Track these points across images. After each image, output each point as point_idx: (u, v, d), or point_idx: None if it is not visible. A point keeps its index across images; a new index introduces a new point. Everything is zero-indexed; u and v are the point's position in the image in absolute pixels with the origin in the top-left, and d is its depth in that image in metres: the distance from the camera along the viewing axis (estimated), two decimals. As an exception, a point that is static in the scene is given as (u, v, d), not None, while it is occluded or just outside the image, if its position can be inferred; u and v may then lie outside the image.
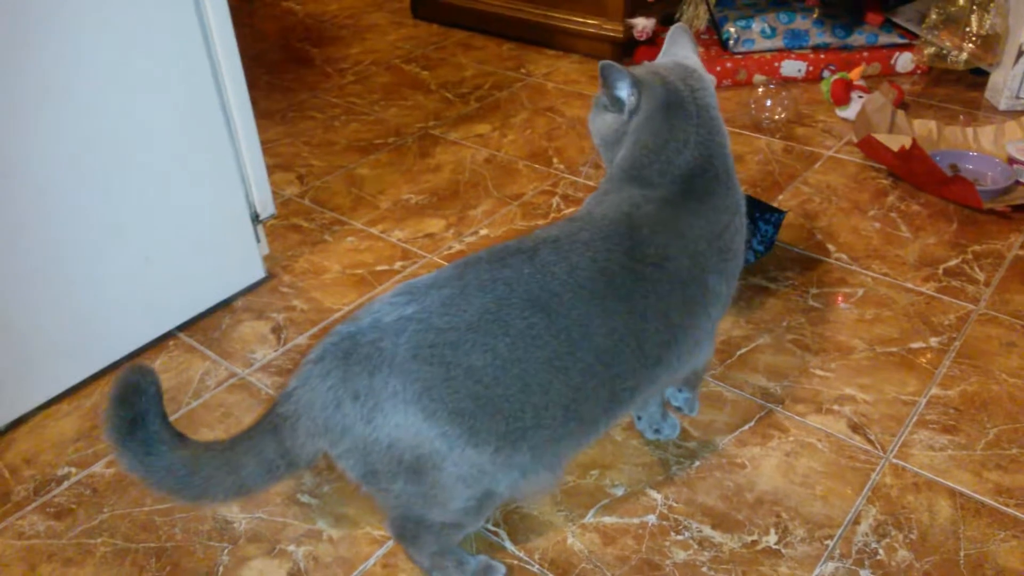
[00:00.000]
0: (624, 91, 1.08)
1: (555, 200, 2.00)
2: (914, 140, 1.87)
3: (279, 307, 1.67)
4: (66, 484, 1.29)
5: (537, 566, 1.13)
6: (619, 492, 1.23)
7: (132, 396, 0.95)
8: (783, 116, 2.32)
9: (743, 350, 1.49)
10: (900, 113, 2.14)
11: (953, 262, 1.71)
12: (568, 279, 0.95)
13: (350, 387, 0.90)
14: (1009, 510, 1.18)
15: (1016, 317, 1.55)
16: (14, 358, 1.37)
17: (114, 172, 1.39)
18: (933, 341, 1.50)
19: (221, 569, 1.15)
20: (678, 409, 1.33)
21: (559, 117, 2.41)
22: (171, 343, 1.59)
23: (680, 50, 1.18)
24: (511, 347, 0.90)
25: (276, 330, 1.61)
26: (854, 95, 2.33)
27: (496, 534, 1.18)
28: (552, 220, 1.92)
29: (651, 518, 1.19)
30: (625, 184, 1.08)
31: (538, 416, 0.93)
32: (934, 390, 1.39)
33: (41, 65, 1.24)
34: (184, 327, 1.62)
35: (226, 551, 1.17)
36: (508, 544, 1.16)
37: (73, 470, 1.32)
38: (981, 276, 1.66)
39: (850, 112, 2.31)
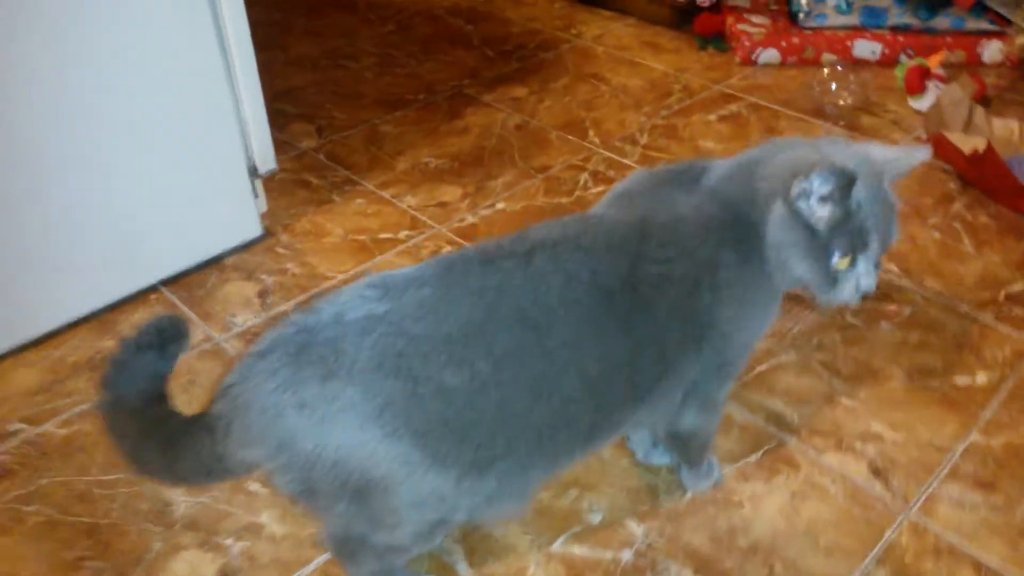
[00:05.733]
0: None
1: (583, 177, 1.84)
2: (989, 143, 1.66)
3: (271, 269, 1.57)
4: (13, 441, 1.22)
5: (489, 595, 1.01)
6: (596, 519, 1.10)
7: (165, 336, 0.85)
8: (849, 102, 2.11)
9: (763, 367, 1.34)
10: (979, 110, 1.90)
11: (1019, 287, 1.51)
12: (563, 293, 0.82)
13: (297, 393, 0.77)
14: (1045, 592, 1.02)
15: (1084, 358, 1.35)
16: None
17: (101, 111, 1.30)
18: (982, 378, 1.32)
19: (152, 556, 1.06)
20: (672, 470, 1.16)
21: (603, 85, 2.24)
22: (152, 297, 1.50)
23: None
24: (493, 368, 0.78)
25: (262, 294, 1.51)
26: (930, 84, 2.09)
27: (451, 553, 1.06)
28: (576, 200, 1.77)
29: (627, 554, 1.06)
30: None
31: (511, 444, 0.81)
32: (974, 436, 1.22)
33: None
34: (169, 282, 1.53)
35: (160, 537, 1.09)
36: (462, 566, 1.05)
37: (24, 427, 1.25)
38: (1050, 306, 1.46)
39: (924, 103, 2.08)
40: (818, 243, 0.85)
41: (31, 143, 1.25)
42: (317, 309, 0.81)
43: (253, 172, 1.55)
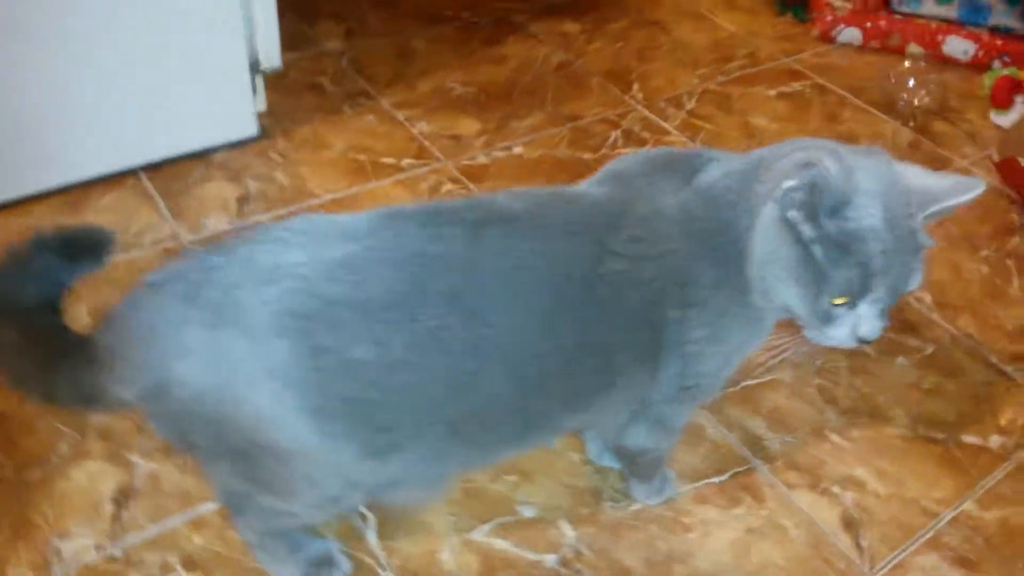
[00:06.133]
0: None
1: (614, 134, 1.69)
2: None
3: (258, 174, 1.47)
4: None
5: (390, 573, 0.93)
6: (528, 513, 1.01)
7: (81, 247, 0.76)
8: (925, 102, 1.91)
9: (752, 381, 1.21)
10: (1071, 136, 1.70)
11: (1061, 344, 1.35)
12: (508, 278, 0.70)
13: (180, 337, 0.68)
14: None
15: (1114, 440, 1.20)
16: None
17: None
18: (994, 441, 1.18)
19: (54, 459, 1.00)
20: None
21: (662, 36, 2.06)
22: (129, 182, 1.41)
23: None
24: (407, 349, 0.67)
25: (242, 200, 1.41)
26: (1019, 99, 1.88)
27: (364, 518, 0.98)
28: (600, 158, 1.63)
29: (550, 559, 0.97)
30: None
31: (420, 432, 0.71)
32: (968, 505, 1.09)
33: None
34: (150, 169, 1.44)
35: (69, 441, 1.02)
36: (371, 535, 0.97)
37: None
38: (1090, 372, 1.30)
39: (1008, 119, 1.87)
40: (812, 267, 0.70)
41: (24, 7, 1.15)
42: (231, 246, 0.71)
43: (255, 67, 1.43)
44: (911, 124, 1.85)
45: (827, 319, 0.72)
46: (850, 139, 1.76)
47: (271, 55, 1.44)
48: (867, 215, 0.68)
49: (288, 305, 0.66)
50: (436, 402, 0.69)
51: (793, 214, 0.69)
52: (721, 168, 0.77)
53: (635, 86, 1.86)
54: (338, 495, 0.76)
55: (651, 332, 0.75)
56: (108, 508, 0.96)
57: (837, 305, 0.71)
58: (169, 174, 1.44)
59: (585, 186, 0.82)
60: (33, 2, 1.17)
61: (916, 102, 1.92)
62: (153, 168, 1.44)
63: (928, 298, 1.40)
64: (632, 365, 0.76)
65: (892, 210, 0.70)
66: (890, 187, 0.71)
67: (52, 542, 0.93)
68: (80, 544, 0.93)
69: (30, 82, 1.23)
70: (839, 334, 0.73)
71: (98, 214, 1.34)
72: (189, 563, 0.92)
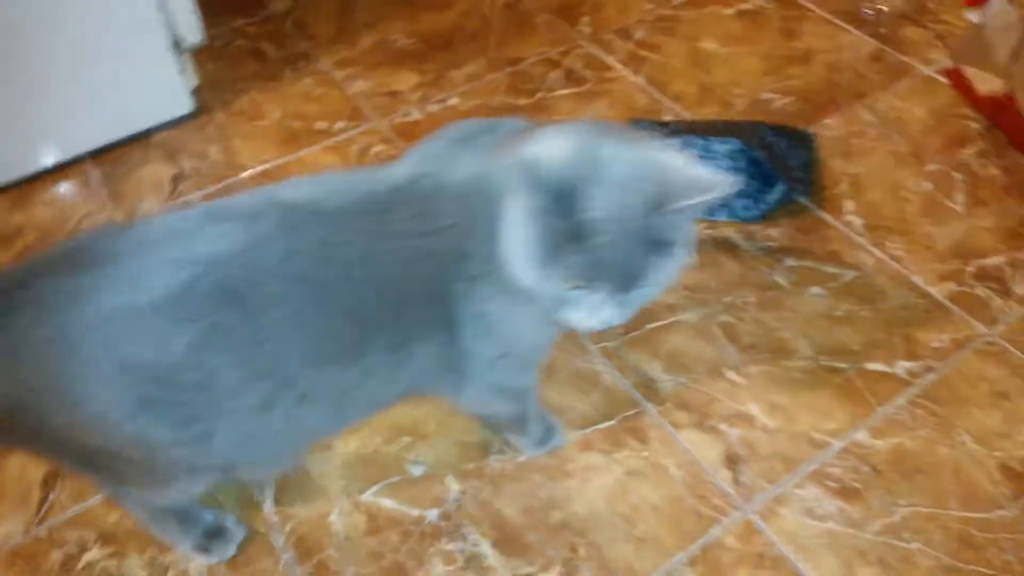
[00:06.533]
0: None
1: (553, 76, 1.68)
2: (1011, 91, 1.40)
3: (194, 151, 1.53)
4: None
5: (282, 538, 1.02)
6: (417, 472, 1.08)
7: None
8: (898, 5, 1.81)
9: (656, 324, 1.23)
10: (1039, 33, 1.60)
11: (995, 259, 1.31)
12: (282, 265, 0.74)
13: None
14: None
15: (1034, 357, 1.18)
16: None
17: None
18: (901, 367, 1.18)
19: (-6, 444, 1.11)
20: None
21: (620, -41, 1.99)
22: (72, 172, 1.50)
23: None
24: (189, 346, 0.72)
25: (176, 178, 1.48)
26: (995, -7, 1.76)
27: (263, 488, 1.06)
28: (536, 103, 1.62)
29: (432, 514, 1.03)
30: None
31: (228, 420, 0.77)
32: (860, 434, 1.10)
33: None
34: (97, 155, 1.52)
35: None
36: (268, 504, 1.05)
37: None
38: (1021, 288, 1.27)
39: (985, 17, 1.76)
40: (544, 252, 0.71)
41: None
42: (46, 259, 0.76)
43: (178, 45, 1.47)
44: (877, 34, 1.77)
45: (563, 302, 0.74)
46: (806, 56, 1.70)
47: (192, 31, 1.47)
48: (597, 206, 0.68)
49: (89, 317, 0.71)
50: (234, 391, 0.75)
51: (525, 200, 0.70)
52: (504, 145, 0.78)
53: (583, 19, 1.83)
54: (184, 478, 0.83)
55: (440, 304, 0.78)
56: (37, 494, 1.07)
57: (571, 290, 0.72)
58: (112, 159, 1.51)
59: (398, 164, 0.85)
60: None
61: (885, 7, 1.82)
62: (98, 155, 1.51)
63: (858, 221, 1.37)
64: (426, 336, 0.80)
65: (625, 203, 0.69)
66: (634, 180, 0.69)
67: (-14, 526, 1.04)
68: (10, 528, 1.04)
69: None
70: (576, 317, 0.74)
71: (44, 207, 1.43)
72: (105, 539, 1.02)
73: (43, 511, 1.05)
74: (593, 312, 0.73)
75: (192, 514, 0.97)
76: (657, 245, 0.71)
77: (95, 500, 1.05)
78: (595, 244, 0.68)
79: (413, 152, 0.85)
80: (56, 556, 1.01)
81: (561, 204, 0.67)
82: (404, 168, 0.81)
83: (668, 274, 0.74)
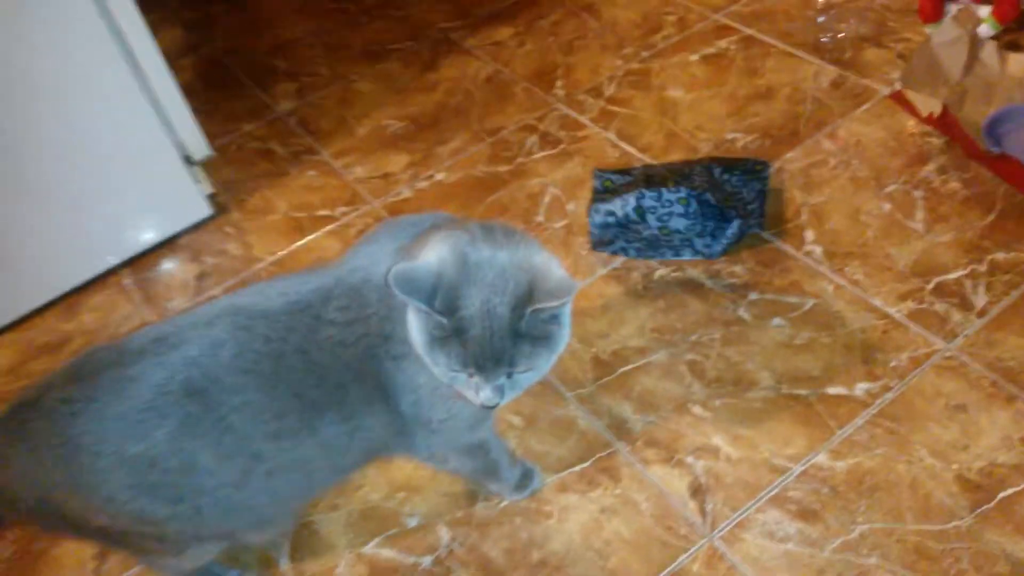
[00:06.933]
0: None
1: (531, 140, 1.81)
2: (945, 107, 1.47)
3: (215, 250, 1.71)
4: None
5: (294, 593, 1.15)
6: (412, 523, 1.20)
7: None
8: (861, 30, 1.89)
9: (628, 367, 1.33)
10: (990, 45, 1.65)
11: (955, 274, 1.37)
12: (233, 362, 0.88)
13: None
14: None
15: (992, 369, 1.24)
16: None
17: (48, 140, 1.48)
18: (860, 389, 1.25)
19: None
20: None
21: (593, 20, 2.13)
22: (112, 280, 1.68)
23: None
24: (169, 439, 0.87)
25: (201, 276, 1.66)
26: (950, 9, 1.83)
27: (278, 547, 1.20)
28: (516, 168, 1.75)
29: (427, 560, 1.15)
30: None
31: (210, 496, 0.91)
32: (819, 457, 1.18)
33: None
34: (129, 264, 1.71)
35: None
36: (284, 560, 1.19)
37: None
38: (981, 301, 1.33)
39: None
40: (432, 341, 0.82)
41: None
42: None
43: (189, 161, 1.66)
44: (839, 60, 1.85)
45: (454, 382, 0.85)
46: (768, 92, 1.79)
47: (200, 147, 1.66)
48: (469, 304, 0.80)
49: (83, 426, 0.87)
50: (211, 470, 0.89)
51: (411, 299, 0.80)
52: (415, 243, 0.91)
53: (558, 83, 1.96)
54: (194, 545, 0.98)
55: (373, 381, 0.91)
56: (91, 565, 1.23)
57: (453, 373, 0.83)
58: (143, 265, 1.70)
59: (337, 261, 0.98)
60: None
61: (841, 36, 1.90)
62: (130, 263, 1.70)
63: (818, 250, 1.45)
64: (369, 409, 0.93)
65: (492, 302, 0.79)
66: (502, 280, 0.80)
67: None
68: None
69: (13, 218, 1.52)
70: (469, 395, 0.86)
71: (89, 314, 1.62)
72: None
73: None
74: (475, 393, 0.84)
75: (215, 572, 1.12)
76: (528, 337, 0.82)
77: (137, 569, 1.21)
78: (469, 337, 0.80)
79: (354, 248, 0.99)
80: (108, 625, 1.17)
81: (439, 303, 0.80)
82: (341, 264, 0.95)
83: (545, 360, 0.84)
